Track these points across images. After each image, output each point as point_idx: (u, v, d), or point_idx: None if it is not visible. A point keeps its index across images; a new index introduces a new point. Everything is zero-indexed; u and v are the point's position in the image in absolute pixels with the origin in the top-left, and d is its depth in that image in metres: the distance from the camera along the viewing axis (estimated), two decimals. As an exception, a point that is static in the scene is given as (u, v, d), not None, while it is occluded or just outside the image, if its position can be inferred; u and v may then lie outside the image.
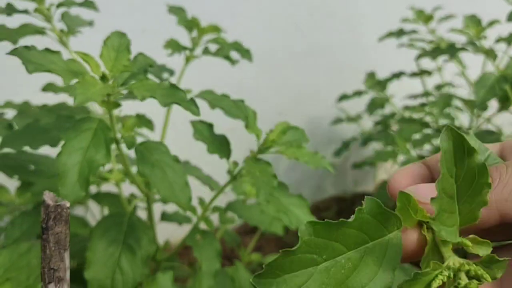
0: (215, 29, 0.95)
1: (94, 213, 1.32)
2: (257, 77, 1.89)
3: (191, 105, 0.60)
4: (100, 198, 1.12)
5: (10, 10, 0.84)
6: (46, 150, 1.16)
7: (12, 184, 1.10)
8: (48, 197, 0.43)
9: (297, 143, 0.79)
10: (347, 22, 2.07)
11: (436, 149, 1.38)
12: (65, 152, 0.55)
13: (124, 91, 0.61)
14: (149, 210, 0.91)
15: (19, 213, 0.94)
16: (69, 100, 1.13)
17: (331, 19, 2.00)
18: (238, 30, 1.78)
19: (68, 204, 0.43)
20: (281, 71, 1.97)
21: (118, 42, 0.63)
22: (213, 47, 1.04)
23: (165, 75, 0.98)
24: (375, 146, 1.98)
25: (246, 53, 0.95)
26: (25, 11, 0.86)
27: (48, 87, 0.95)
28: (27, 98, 1.11)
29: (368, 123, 1.99)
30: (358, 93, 1.64)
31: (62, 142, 0.68)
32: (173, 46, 0.88)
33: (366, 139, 1.68)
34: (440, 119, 1.43)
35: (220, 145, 0.79)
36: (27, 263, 0.71)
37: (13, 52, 0.57)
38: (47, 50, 0.60)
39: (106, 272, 0.74)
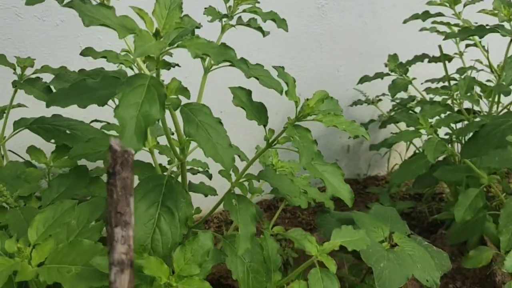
0: (251, -3, 0.96)
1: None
2: (279, 58, 1.90)
3: (241, 64, 0.61)
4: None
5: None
6: (79, 116, 1.17)
7: (45, 147, 1.13)
8: (115, 143, 0.44)
9: (334, 112, 0.81)
10: (368, 5, 2.06)
11: (458, 132, 1.38)
12: (122, 105, 0.56)
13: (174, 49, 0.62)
14: (182, 176, 0.92)
15: (56, 176, 0.97)
16: (107, 66, 1.14)
17: (353, 2, 2.00)
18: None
19: (133, 151, 0.44)
20: (302, 52, 1.97)
21: (170, 0, 0.64)
22: (245, 19, 1.04)
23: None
24: (393, 128, 1.99)
25: (282, 23, 0.95)
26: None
27: (87, 52, 0.96)
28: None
29: (385, 106, 2.00)
30: (380, 75, 1.64)
31: (110, 101, 0.70)
32: (212, 13, 0.89)
33: (386, 121, 1.69)
34: (463, 102, 1.44)
35: (258, 112, 0.81)
36: (69, 221, 0.73)
37: (69, 4, 0.58)
38: (102, 4, 0.61)
39: (146, 232, 0.76)
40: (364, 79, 1.69)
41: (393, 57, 1.64)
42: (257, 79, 0.87)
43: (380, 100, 1.85)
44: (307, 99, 0.81)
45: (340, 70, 2.10)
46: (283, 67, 0.82)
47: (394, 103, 1.89)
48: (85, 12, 0.58)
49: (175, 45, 0.62)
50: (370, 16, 2.08)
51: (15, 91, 1.03)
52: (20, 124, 1.11)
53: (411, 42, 2.16)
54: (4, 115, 1.06)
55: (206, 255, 0.73)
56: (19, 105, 1.16)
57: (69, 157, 0.92)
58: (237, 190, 0.90)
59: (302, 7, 1.90)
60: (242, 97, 0.80)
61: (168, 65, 0.65)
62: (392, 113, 1.84)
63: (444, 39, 1.42)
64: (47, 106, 0.70)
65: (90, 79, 0.71)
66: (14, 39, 1.45)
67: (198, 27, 0.69)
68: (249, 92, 0.83)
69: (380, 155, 2.27)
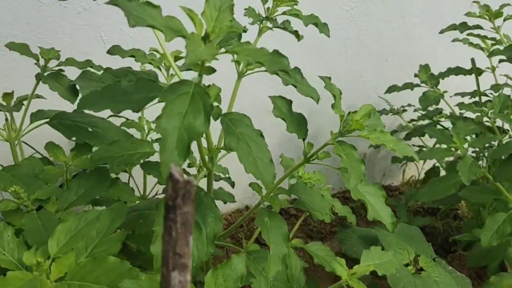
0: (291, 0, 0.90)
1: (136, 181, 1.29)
2: (302, 60, 1.84)
3: (296, 74, 0.55)
4: (149, 167, 1.07)
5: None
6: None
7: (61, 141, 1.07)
8: (176, 171, 0.38)
9: (379, 127, 0.75)
10: (398, 10, 2.00)
11: (492, 153, 1.32)
12: (165, 115, 0.50)
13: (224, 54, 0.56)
14: (209, 186, 0.87)
15: (74, 176, 0.91)
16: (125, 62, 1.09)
17: (383, 6, 1.93)
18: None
19: (195, 181, 0.39)
20: (326, 55, 1.91)
21: (220, 0, 0.58)
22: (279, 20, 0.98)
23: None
24: (415, 140, 1.93)
25: (323, 27, 0.90)
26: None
27: (114, 50, 0.90)
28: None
29: (406, 115, 1.94)
30: (410, 86, 1.57)
31: (145, 107, 0.64)
32: (252, 14, 0.83)
33: (411, 133, 1.62)
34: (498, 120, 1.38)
35: (298, 124, 0.75)
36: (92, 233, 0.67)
37: (113, 2, 0.53)
38: (148, 3, 0.56)
39: (171, 248, 0.70)
40: (392, 89, 1.62)
41: (425, 68, 1.58)
42: (295, 86, 0.81)
43: (405, 110, 1.78)
44: (351, 113, 0.75)
45: (364, 75, 2.04)
46: (329, 78, 0.76)
47: (417, 113, 1.83)
48: (131, 11, 0.52)
49: (224, 50, 0.56)
50: (399, 22, 2.02)
51: (37, 84, 0.97)
52: (37, 116, 1.05)
53: (439, 51, 2.10)
54: (23, 107, 1.00)
55: (239, 280, 0.67)
56: (38, 96, 1.10)
57: (91, 161, 0.86)
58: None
59: (330, 9, 1.84)
60: (282, 107, 0.75)
61: (213, 71, 0.59)
62: (416, 123, 1.78)
63: (489, 56, 1.35)
64: (78, 108, 0.64)
65: (125, 82, 0.65)
66: (33, 25, 1.39)
67: (245, 31, 0.63)
68: (289, 102, 0.77)
69: (397, 165, 2.21)
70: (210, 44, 0.53)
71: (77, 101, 0.95)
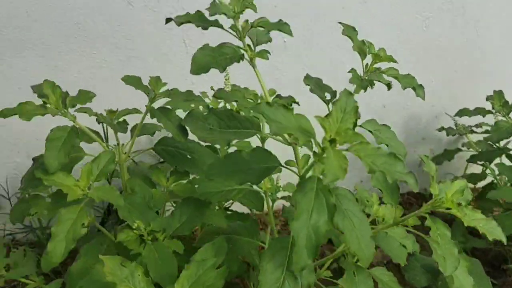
0: (390, 58, 0.94)
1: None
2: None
3: (410, 178, 0.62)
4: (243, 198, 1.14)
5: (205, 23, 0.87)
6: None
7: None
8: None
9: (468, 196, 0.80)
10: (474, 22, 1.96)
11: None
12: (296, 215, 0.58)
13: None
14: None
15: (178, 204, 1.01)
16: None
17: (460, 17, 1.91)
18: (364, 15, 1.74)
19: None
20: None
21: (345, 102, 0.64)
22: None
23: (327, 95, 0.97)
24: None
25: (419, 89, 0.94)
26: (220, 26, 0.88)
27: (220, 94, 0.97)
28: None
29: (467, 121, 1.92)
30: (482, 112, 1.58)
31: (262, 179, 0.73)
32: (356, 81, 0.87)
33: (477, 157, 1.64)
34: None
35: (392, 193, 0.82)
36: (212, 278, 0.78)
37: (258, 110, 0.60)
38: (283, 106, 0.63)
39: (271, 295, 0.79)
40: (463, 113, 1.63)
41: (498, 95, 1.57)
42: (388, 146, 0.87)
43: (472, 131, 1.78)
44: (442, 184, 0.81)
45: (430, 85, 2.04)
46: (427, 156, 0.81)
47: (482, 130, 1.81)
48: (271, 117, 0.60)
49: (346, 149, 0.63)
50: (473, 34, 1.99)
51: (146, 114, 1.06)
52: (136, 130, 1.14)
53: (510, 66, 2.06)
54: (131, 133, 1.10)
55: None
56: (136, 111, 1.20)
57: (196, 195, 0.96)
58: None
59: (405, 17, 1.85)
60: (379, 177, 0.81)
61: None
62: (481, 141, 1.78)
63: None
64: (207, 177, 0.73)
65: (245, 152, 0.73)
66: (124, 26, 1.50)
67: (357, 119, 0.69)
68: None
69: (452, 174, 2.23)
70: (339, 153, 0.60)
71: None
